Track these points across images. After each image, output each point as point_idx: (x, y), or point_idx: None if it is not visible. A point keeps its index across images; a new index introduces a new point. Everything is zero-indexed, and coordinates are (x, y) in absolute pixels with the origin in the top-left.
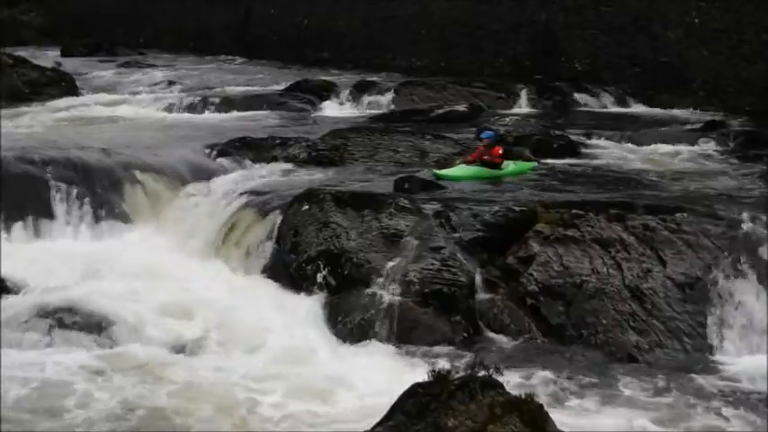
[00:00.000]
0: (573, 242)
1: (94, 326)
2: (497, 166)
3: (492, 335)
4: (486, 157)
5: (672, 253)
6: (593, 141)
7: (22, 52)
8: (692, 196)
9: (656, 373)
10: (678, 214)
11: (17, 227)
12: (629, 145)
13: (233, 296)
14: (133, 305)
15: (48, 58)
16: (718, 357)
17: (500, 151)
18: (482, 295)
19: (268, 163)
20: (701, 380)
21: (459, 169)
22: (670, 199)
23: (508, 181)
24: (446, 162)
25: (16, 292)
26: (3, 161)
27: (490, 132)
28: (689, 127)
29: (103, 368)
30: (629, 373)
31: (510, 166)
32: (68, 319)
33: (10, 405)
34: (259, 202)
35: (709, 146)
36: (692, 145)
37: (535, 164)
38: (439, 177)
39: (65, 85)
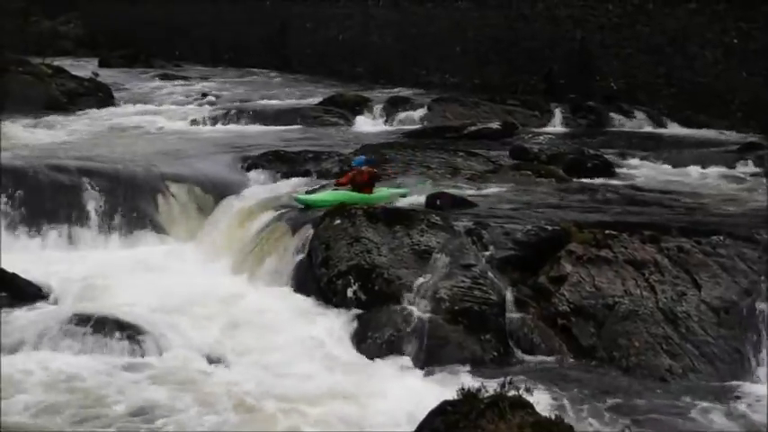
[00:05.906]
0: (606, 263)
1: (126, 334)
2: (367, 190)
3: (522, 354)
4: (355, 182)
5: (707, 276)
6: (628, 161)
7: (60, 62)
8: (728, 219)
9: (689, 399)
10: (714, 237)
11: (52, 235)
12: (665, 166)
13: (264, 309)
14: (164, 315)
15: (85, 68)
16: (752, 384)
17: (367, 177)
18: (513, 314)
19: (301, 177)
20: (734, 406)
21: (325, 194)
22: (705, 221)
23: (540, 200)
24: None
25: (49, 300)
26: (38, 170)
27: (361, 158)
28: (726, 148)
29: (135, 377)
30: (660, 398)
31: (383, 191)
32: (100, 327)
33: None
34: (291, 215)
35: (746, 168)
36: (730, 167)
37: (406, 190)
38: (302, 203)
39: (101, 96)
